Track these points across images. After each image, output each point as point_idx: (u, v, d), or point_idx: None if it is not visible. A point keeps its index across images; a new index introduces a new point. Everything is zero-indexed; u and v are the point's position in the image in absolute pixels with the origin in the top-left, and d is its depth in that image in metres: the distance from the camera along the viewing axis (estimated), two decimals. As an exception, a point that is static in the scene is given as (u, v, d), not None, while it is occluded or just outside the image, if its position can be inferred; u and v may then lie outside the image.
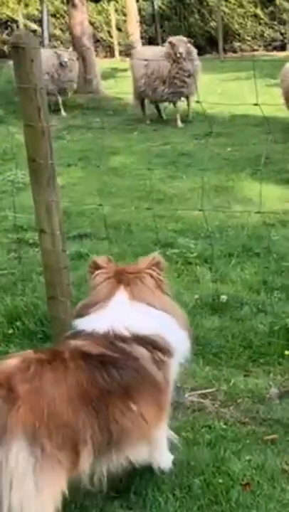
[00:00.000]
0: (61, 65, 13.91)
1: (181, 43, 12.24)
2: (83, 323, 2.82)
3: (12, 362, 2.54)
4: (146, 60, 12.24)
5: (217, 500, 2.85)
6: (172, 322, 2.89)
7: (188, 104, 12.74)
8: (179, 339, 2.89)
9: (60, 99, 14.32)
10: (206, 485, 2.94)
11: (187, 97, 12.67)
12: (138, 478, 2.94)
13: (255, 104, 3.12)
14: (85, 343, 2.69)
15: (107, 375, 2.60)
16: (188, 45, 12.31)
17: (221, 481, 2.96)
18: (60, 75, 13.92)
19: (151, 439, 2.84)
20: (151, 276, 2.93)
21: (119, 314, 2.80)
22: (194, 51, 12.56)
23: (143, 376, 2.70)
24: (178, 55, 12.06)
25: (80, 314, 2.90)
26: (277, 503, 2.85)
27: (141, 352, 2.73)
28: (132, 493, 2.90)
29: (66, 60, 13.98)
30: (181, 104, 12.80)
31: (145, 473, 2.95)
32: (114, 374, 2.62)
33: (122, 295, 2.86)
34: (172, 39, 12.49)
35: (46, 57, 13.75)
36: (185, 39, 12.49)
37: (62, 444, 2.44)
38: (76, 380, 2.53)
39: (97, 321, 2.79)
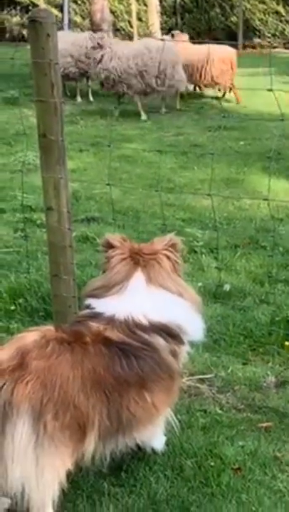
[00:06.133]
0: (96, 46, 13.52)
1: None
2: (101, 305, 2.75)
3: (31, 337, 2.52)
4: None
5: (208, 483, 2.85)
6: (187, 307, 2.83)
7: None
8: (193, 325, 2.84)
9: (79, 84, 14.23)
10: (198, 467, 2.94)
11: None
12: (130, 457, 2.94)
13: (269, 90, 3.10)
14: (107, 327, 2.64)
15: (126, 365, 2.57)
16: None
17: (212, 464, 2.96)
18: (89, 58, 13.52)
19: (156, 423, 2.85)
20: (168, 258, 2.84)
21: (137, 300, 2.73)
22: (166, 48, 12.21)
23: (161, 367, 2.68)
24: None
25: (95, 294, 2.82)
26: (267, 489, 2.84)
27: (160, 342, 2.70)
28: (122, 472, 2.90)
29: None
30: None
31: (137, 452, 2.96)
32: (134, 364, 2.59)
33: (139, 278, 2.78)
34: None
35: (79, 39, 13.74)
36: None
37: (69, 424, 2.42)
38: (93, 365, 2.50)
39: (116, 306, 2.71)
